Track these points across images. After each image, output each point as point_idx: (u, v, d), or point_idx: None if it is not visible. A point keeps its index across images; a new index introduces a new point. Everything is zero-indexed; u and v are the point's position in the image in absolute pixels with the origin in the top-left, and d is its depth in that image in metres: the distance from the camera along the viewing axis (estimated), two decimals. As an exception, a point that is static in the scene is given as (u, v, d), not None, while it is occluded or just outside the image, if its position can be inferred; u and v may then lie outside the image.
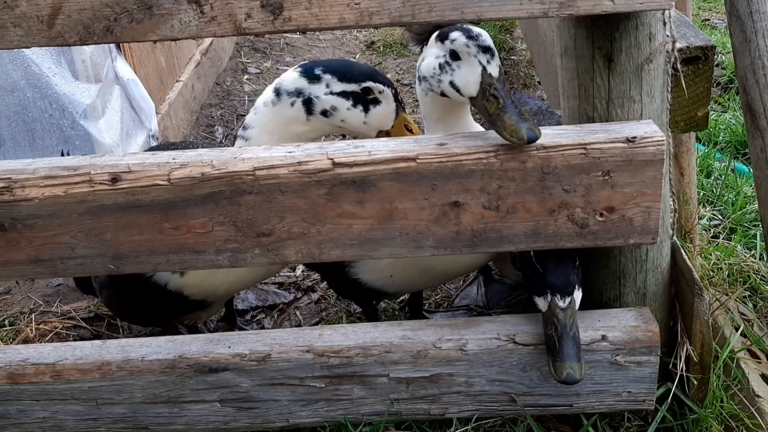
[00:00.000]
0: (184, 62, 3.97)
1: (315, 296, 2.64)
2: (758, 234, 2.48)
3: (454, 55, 1.49)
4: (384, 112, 1.68)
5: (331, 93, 1.65)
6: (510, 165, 1.43)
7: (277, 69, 5.01)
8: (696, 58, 1.49)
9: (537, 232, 1.50)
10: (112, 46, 3.15)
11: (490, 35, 1.53)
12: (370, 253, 1.52)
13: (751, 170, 3.03)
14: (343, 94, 1.65)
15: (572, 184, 1.44)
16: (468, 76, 1.48)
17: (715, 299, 2.00)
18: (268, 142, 1.68)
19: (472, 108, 1.59)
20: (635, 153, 1.41)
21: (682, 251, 1.69)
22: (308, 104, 1.66)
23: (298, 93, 1.66)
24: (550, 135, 1.44)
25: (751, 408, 1.73)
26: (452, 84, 1.51)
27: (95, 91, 2.95)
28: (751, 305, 2.17)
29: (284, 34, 5.62)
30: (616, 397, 1.67)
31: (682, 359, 1.69)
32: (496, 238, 1.50)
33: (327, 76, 1.66)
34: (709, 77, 1.50)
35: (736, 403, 1.76)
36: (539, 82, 4.14)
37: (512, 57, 4.89)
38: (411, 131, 1.70)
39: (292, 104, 1.66)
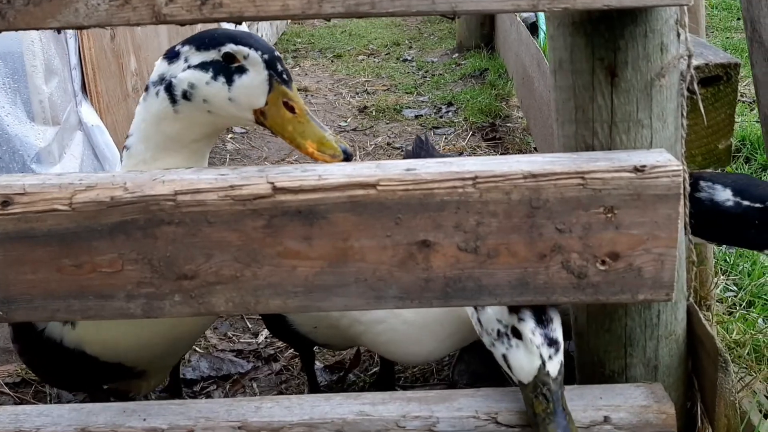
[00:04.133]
0: (161, 115, 3.77)
1: (277, 366, 2.32)
2: (780, 306, 2.19)
3: (516, 333, 1.29)
4: (252, 83, 1.29)
5: (189, 67, 1.32)
6: (491, 196, 1.16)
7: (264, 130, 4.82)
8: (716, 78, 1.25)
9: (524, 282, 1.21)
10: (78, 89, 2.94)
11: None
12: (320, 303, 1.24)
13: None
14: (202, 66, 1.30)
15: (567, 223, 1.17)
16: (523, 362, 1.28)
17: (738, 378, 1.70)
18: (146, 150, 1.40)
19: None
20: (645, 185, 1.15)
21: (701, 315, 1.40)
22: (169, 90, 1.33)
23: (161, 79, 1.35)
24: (540, 162, 1.18)
25: None
26: (504, 358, 1.31)
27: (52, 134, 2.72)
28: (777, 387, 1.86)
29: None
30: (622, 494, 1.35)
31: (704, 450, 1.37)
32: (475, 288, 1.22)
33: (185, 48, 1.33)
34: (732, 102, 1.25)
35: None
36: (535, 148, 3.94)
37: (508, 124, 4.72)
38: (292, 110, 1.30)
39: (157, 94, 1.35)
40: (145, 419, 1.35)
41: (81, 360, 1.52)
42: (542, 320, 1.27)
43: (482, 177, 1.16)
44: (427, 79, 6.10)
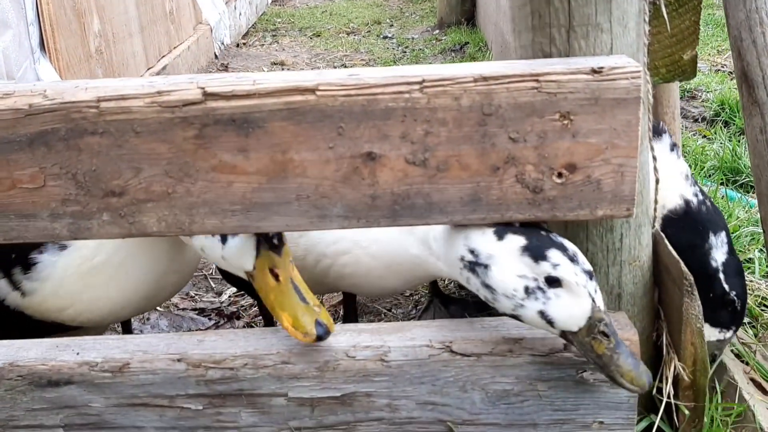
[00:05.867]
0: (128, 81, 3.65)
1: (239, 324, 2.24)
2: (756, 258, 2.14)
3: (553, 282, 1.14)
4: (239, 245, 1.24)
5: None
6: (440, 102, 1.09)
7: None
8: (680, -19, 1.17)
9: (477, 198, 1.14)
10: (36, 46, 2.84)
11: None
12: (259, 223, 1.16)
13: (741, 195, 2.72)
14: None
15: (521, 131, 1.10)
16: (573, 310, 1.13)
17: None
18: None
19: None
20: (603, 88, 1.07)
21: (666, 243, 1.34)
22: None
23: None
24: (492, 66, 1.10)
25: (759, 448, 1.34)
26: (542, 314, 1.14)
27: (6, 89, 2.61)
28: (751, 333, 1.80)
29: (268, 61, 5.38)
30: (584, 429, 1.28)
31: (669, 381, 1.31)
32: (424, 205, 1.14)
33: None
34: (696, 8, 1.18)
35: (740, 442, 1.37)
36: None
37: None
38: (277, 278, 1.23)
39: None
40: (78, 353, 1.26)
41: (22, 318, 1.45)
42: (572, 257, 1.13)
43: (430, 80, 1.08)
44: (407, 53, 6.01)
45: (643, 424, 1.34)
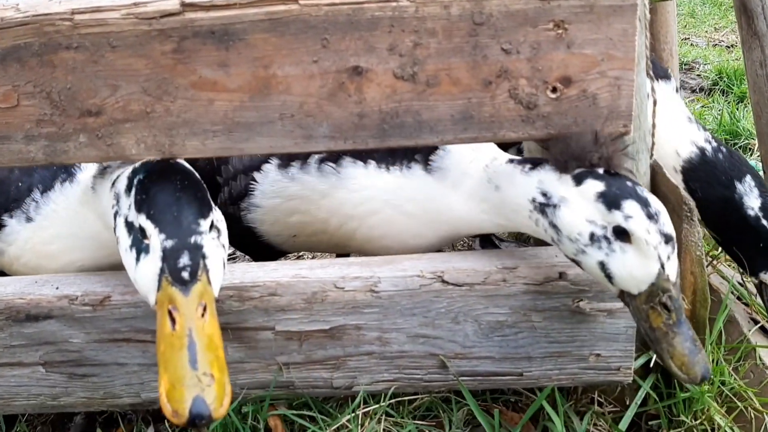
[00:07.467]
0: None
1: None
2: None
3: (621, 234, 1.05)
4: (145, 270, 1.01)
5: (125, 219, 1.07)
6: (429, 11, 1.04)
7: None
8: None
9: (468, 116, 1.10)
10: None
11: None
12: (242, 144, 1.11)
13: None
14: (129, 226, 1.06)
15: (514, 42, 1.05)
16: (636, 270, 1.04)
17: (707, 263, 1.60)
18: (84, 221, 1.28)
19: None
20: (598, -6, 1.03)
21: (665, 171, 1.30)
22: (115, 216, 1.11)
23: (117, 198, 1.11)
24: (483, -25, 1.06)
25: (761, 383, 1.31)
26: (602, 265, 1.06)
27: None
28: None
29: None
30: (580, 362, 1.24)
31: (669, 313, 1.27)
32: (414, 124, 1.10)
33: (134, 191, 1.07)
34: None
35: (741, 377, 1.33)
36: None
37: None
38: (174, 321, 0.94)
39: (113, 206, 1.13)
40: (57, 288, 1.22)
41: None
42: (652, 214, 1.04)
43: (417, -12, 1.04)
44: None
45: (641, 360, 1.29)
